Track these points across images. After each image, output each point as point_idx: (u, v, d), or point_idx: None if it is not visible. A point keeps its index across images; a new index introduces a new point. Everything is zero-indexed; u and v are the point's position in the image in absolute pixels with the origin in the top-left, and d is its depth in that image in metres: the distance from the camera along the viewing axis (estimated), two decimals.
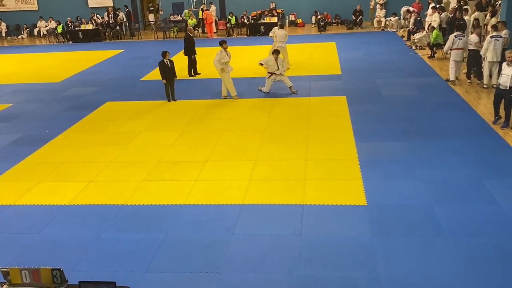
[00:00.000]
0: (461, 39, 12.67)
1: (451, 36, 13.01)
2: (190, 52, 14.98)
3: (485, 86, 12.16)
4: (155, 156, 9.07)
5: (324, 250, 5.91)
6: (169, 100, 12.51)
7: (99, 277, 5.17)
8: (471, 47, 12.52)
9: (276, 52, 12.59)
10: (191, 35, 15.37)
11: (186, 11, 24.79)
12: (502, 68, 9.59)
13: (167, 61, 12.35)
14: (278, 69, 12.43)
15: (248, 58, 17.62)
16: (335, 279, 5.38)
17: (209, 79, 14.52)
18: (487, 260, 5.56)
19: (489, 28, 13.99)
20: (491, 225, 6.25)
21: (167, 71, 12.36)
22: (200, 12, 24.04)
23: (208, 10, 23.82)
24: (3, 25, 26.83)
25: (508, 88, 9.29)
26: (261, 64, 12.82)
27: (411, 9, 21.41)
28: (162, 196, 7.51)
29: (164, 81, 12.38)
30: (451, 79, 12.83)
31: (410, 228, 6.27)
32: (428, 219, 6.45)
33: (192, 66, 15.19)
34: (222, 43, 12.25)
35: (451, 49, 12.89)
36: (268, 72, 12.54)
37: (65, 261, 5.83)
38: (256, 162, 8.53)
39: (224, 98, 12.44)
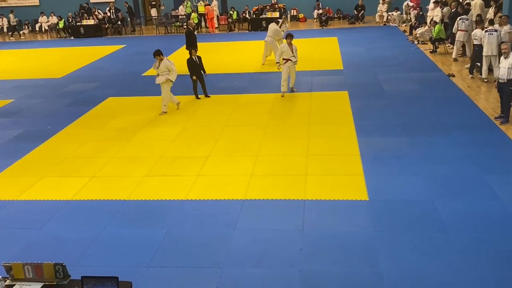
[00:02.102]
0: (464, 22, 13.49)
1: (457, 19, 13.94)
2: (191, 46, 14.95)
3: (485, 80, 12.15)
4: (157, 151, 9.08)
5: (325, 245, 5.91)
6: (197, 97, 12.24)
7: (102, 272, 5.19)
8: (476, 42, 12.49)
9: (290, 36, 12.20)
10: (191, 29, 15.34)
11: (185, 3, 24.62)
12: (500, 61, 9.63)
13: (195, 58, 12.07)
14: (294, 56, 12.00)
15: (249, 53, 17.61)
16: (337, 274, 5.39)
17: (210, 75, 14.48)
18: (488, 255, 5.56)
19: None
20: (492, 220, 6.25)
21: (196, 67, 12.08)
22: (202, 7, 23.96)
23: (210, 5, 23.75)
24: (5, 20, 26.82)
25: (506, 81, 9.29)
26: (278, 63, 12.14)
27: (410, 4, 21.33)
28: (164, 192, 7.52)
29: (194, 77, 12.13)
30: (453, 57, 14.14)
31: (412, 223, 6.28)
32: (430, 214, 6.45)
33: None
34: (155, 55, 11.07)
35: (458, 30, 14.02)
36: (284, 59, 12.03)
37: (67, 256, 5.84)
38: (257, 158, 8.54)
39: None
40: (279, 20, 16.37)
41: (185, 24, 21.27)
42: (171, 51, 18.78)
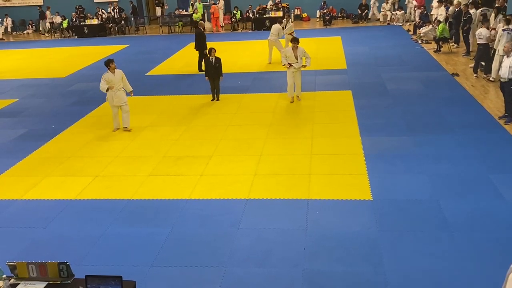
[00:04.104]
0: (510, 33, 11.56)
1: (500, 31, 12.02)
2: (201, 47, 14.92)
3: (491, 79, 12.09)
4: (160, 151, 9.09)
5: (329, 245, 5.91)
6: (213, 99, 12.08)
7: (105, 271, 5.20)
8: (480, 41, 12.42)
9: (294, 40, 11.45)
10: (202, 30, 15.30)
11: (196, 3, 24.24)
12: (503, 60, 9.57)
13: (212, 59, 11.79)
14: (297, 61, 11.22)
15: (252, 52, 17.61)
16: (340, 273, 5.38)
17: None
18: (492, 255, 5.54)
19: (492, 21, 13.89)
20: (496, 219, 6.23)
21: (210, 68, 11.84)
22: (200, 8, 23.82)
23: (216, 4, 23.67)
24: (9, 20, 26.90)
25: (507, 80, 9.25)
26: (285, 64, 11.52)
27: (414, 2, 21.27)
28: (168, 191, 7.53)
29: (207, 78, 11.97)
30: (492, 77, 12.12)
31: (416, 222, 6.26)
32: (434, 213, 6.44)
33: (202, 61, 15.11)
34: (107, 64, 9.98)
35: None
36: (289, 63, 11.44)
37: (71, 255, 5.86)
38: (261, 157, 8.54)
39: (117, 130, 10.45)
40: (283, 20, 16.36)
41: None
42: (175, 50, 18.81)
